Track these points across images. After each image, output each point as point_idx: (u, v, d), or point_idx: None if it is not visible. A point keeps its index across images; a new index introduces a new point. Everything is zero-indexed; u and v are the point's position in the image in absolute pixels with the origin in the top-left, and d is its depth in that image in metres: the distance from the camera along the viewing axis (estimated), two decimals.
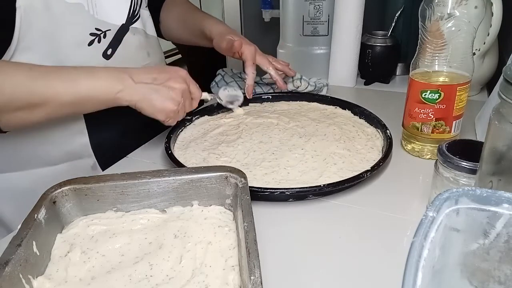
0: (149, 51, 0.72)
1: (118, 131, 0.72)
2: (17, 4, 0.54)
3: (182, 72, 0.64)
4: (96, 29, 0.62)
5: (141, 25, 0.70)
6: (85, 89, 0.55)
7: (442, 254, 0.27)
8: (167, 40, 0.93)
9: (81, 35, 0.61)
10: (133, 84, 0.58)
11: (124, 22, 0.66)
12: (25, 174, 0.67)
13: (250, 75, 0.77)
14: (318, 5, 0.95)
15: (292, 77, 0.85)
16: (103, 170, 0.70)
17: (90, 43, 0.62)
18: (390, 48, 0.94)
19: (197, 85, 0.66)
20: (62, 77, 0.55)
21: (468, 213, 0.27)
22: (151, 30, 0.75)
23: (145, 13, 0.73)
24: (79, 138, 0.68)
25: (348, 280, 0.41)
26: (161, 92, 0.60)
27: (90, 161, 0.70)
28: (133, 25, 0.68)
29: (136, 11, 0.69)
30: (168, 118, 0.61)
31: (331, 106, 0.80)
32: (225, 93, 0.77)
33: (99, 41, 0.63)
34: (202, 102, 0.72)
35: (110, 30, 0.64)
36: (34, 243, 0.40)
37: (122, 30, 0.66)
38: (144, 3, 0.73)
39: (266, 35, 1.51)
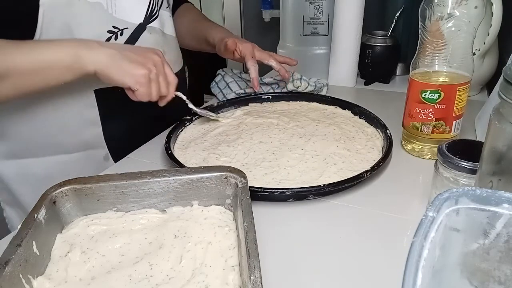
0: (165, 50, 0.72)
1: (131, 123, 0.73)
2: (41, 1, 0.56)
3: (157, 50, 0.63)
4: (114, 27, 0.63)
5: (159, 25, 0.71)
6: (45, 56, 0.55)
7: (442, 254, 0.27)
8: (181, 46, 0.95)
9: (99, 32, 0.62)
10: (100, 47, 0.56)
11: (141, 21, 0.68)
12: (41, 160, 0.69)
13: (252, 68, 0.77)
14: (318, 5, 0.95)
15: (292, 77, 0.85)
16: (115, 161, 0.72)
17: (107, 40, 0.63)
18: (390, 48, 0.94)
19: (173, 72, 0.64)
20: (22, 47, 0.55)
21: (468, 213, 0.27)
22: (169, 29, 0.76)
23: (165, 13, 0.74)
24: (92, 128, 0.69)
25: (348, 280, 0.41)
26: (130, 57, 0.58)
27: (102, 152, 0.72)
28: (150, 24, 0.69)
29: (155, 11, 0.71)
30: (138, 84, 0.58)
31: (331, 106, 0.80)
32: (203, 111, 0.74)
33: (116, 38, 0.64)
34: (202, 102, 0.72)
35: (127, 28, 0.65)
36: (34, 243, 0.40)
37: (140, 29, 0.67)
38: (165, 4, 0.75)
39: (266, 35, 1.51)
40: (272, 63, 0.80)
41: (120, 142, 0.71)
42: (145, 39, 0.68)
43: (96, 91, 0.66)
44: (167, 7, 0.75)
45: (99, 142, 0.70)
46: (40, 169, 0.69)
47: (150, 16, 0.69)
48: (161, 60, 0.61)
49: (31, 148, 0.68)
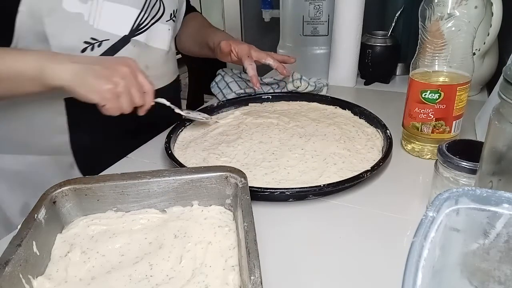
0: (149, 64, 0.71)
1: (101, 134, 0.71)
2: (20, 8, 0.56)
3: (130, 60, 0.60)
4: (92, 38, 0.62)
5: (145, 38, 0.70)
6: (12, 66, 0.54)
7: (442, 254, 0.27)
8: (181, 51, 0.96)
9: (74, 43, 0.61)
10: (66, 62, 0.55)
11: (126, 34, 0.66)
12: (17, 157, 0.70)
13: (249, 67, 0.77)
14: (318, 5, 0.95)
15: (292, 77, 0.85)
16: (81, 171, 0.72)
17: (83, 51, 0.62)
18: (390, 48, 0.94)
19: (148, 79, 0.60)
20: None
21: (468, 213, 0.27)
22: (161, 43, 0.74)
23: (162, 27, 0.73)
24: (59, 135, 0.69)
25: (348, 280, 0.41)
26: (97, 71, 0.55)
27: (68, 159, 0.71)
28: (135, 37, 0.68)
29: (145, 24, 0.69)
30: (104, 100, 0.55)
31: (331, 106, 0.80)
32: (190, 115, 0.72)
33: (92, 49, 0.63)
34: (202, 102, 0.72)
35: (108, 40, 0.64)
36: (34, 243, 0.40)
37: (123, 41, 0.66)
38: (166, 17, 0.74)
39: (266, 35, 1.51)
40: (270, 61, 0.79)
41: (88, 153, 0.71)
42: (126, 52, 0.67)
43: (66, 100, 0.65)
44: (167, 21, 0.74)
45: (65, 150, 0.70)
46: (17, 166, 0.70)
47: (137, 29, 0.68)
48: (131, 70, 0.58)
49: (7, 145, 0.69)
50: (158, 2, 0.71)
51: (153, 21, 0.70)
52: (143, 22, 0.69)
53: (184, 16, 0.87)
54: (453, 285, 0.32)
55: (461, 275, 0.32)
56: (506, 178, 0.34)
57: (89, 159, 0.70)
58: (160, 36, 0.74)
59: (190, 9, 0.92)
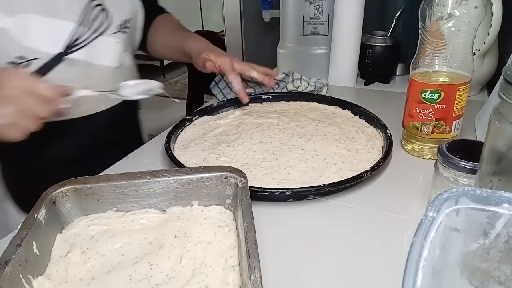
0: (91, 84, 0.59)
1: (35, 163, 0.66)
2: None
3: (15, 73, 0.52)
4: (19, 57, 0.56)
5: (85, 55, 0.63)
6: None
7: (442, 254, 0.27)
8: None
9: None
10: None
11: (60, 51, 0.60)
12: None
13: (234, 80, 0.74)
14: (318, 5, 0.95)
15: (292, 77, 0.85)
16: (15, 201, 0.68)
17: None
18: (390, 48, 0.94)
19: (49, 85, 0.51)
20: None
21: (468, 213, 0.27)
22: (108, 59, 0.67)
23: (107, 40, 0.66)
24: None
25: (348, 280, 0.41)
26: None
27: (1, 188, 0.68)
28: (71, 55, 0.61)
29: (82, 40, 0.62)
30: (1, 134, 0.49)
31: (331, 106, 0.80)
32: (133, 90, 0.61)
33: None
34: (202, 102, 0.71)
35: (38, 58, 0.58)
36: (34, 243, 0.40)
37: (56, 60, 0.60)
38: (113, 29, 0.67)
39: (266, 35, 1.51)
40: (254, 74, 0.75)
41: (21, 183, 0.66)
42: (60, 72, 0.60)
43: None
44: (115, 33, 0.67)
45: None
46: None
47: (73, 45, 0.61)
48: (21, 84, 0.49)
49: None
50: (101, 13, 0.65)
51: (95, 34, 0.64)
52: (81, 37, 0.62)
53: (153, 20, 0.82)
54: (453, 285, 0.32)
55: (461, 275, 0.32)
56: (506, 178, 0.34)
57: (23, 189, 0.64)
58: (106, 52, 0.67)
59: (159, 10, 0.86)
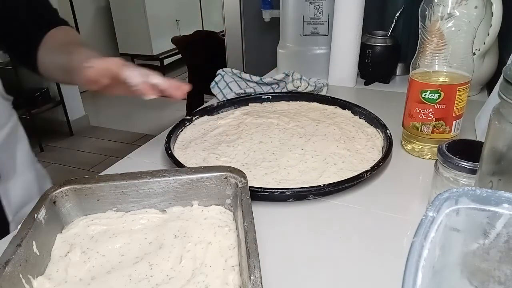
0: None
1: None
2: None
3: None
4: None
5: None
6: None
7: (442, 254, 0.27)
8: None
9: None
10: None
11: None
12: None
13: (131, 74, 0.53)
14: (318, 5, 0.95)
15: (292, 77, 0.85)
16: None
17: None
18: (390, 48, 0.94)
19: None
20: None
21: (468, 213, 0.27)
22: None
23: None
24: None
25: (348, 280, 0.41)
26: None
27: None
28: None
29: None
30: None
31: (331, 106, 0.80)
32: None
33: None
34: (202, 102, 0.71)
35: None
36: (34, 243, 0.40)
37: None
38: None
39: (266, 35, 1.51)
40: (156, 80, 0.54)
41: None
42: None
43: None
44: None
45: None
46: None
47: None
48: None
49: None
50: None
51: None
52: None
53: (44, 35, 0.65)
54: (453, 285, 0.32)
55: (461, 275, 0.32)
56: (506, 178, 0.34)
57: None
58: None
59: (56, 23, 0.67)
